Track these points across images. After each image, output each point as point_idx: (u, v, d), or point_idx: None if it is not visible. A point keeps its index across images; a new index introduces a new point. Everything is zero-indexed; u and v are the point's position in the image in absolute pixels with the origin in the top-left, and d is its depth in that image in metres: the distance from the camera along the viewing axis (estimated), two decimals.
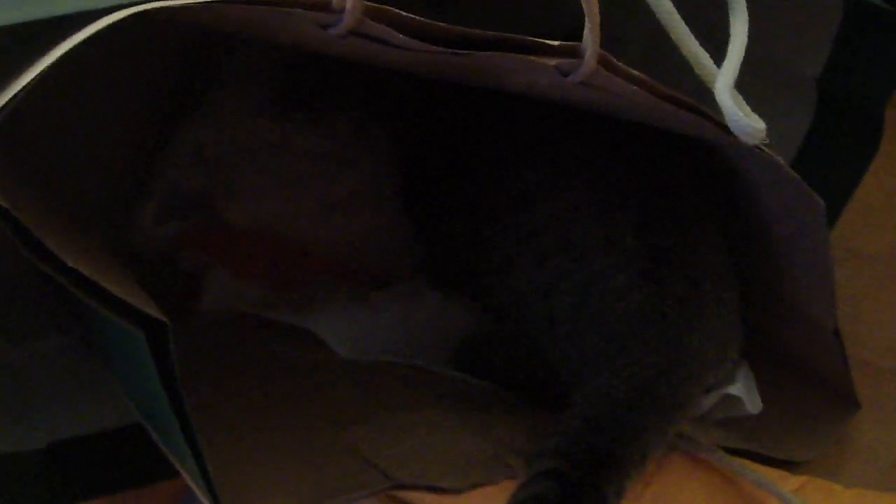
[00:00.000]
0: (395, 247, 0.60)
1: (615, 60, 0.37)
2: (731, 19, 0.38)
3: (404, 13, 0.36)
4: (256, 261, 0.60)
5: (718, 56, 0.39)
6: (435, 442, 0.47)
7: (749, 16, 0.39)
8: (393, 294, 0.57)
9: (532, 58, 0.37)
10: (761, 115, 0.38)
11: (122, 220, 0.58)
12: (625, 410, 0.42)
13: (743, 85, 0.38)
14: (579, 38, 0.37)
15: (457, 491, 0.43)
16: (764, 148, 0.38)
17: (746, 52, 0.38)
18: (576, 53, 0.37)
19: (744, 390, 0.48)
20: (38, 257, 0.36)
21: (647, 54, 0.47)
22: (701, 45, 0.39)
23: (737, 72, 0.37)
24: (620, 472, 0.40)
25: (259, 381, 0.50)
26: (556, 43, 0.37)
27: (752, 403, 0.48)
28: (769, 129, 0.37)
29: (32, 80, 0.33)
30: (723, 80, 0.36)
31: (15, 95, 0.34)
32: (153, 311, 0.34)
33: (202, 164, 0.59)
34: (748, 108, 0.36)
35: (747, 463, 0.47)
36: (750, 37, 0.38)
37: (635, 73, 0.37)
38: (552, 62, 0.37)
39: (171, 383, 0.35)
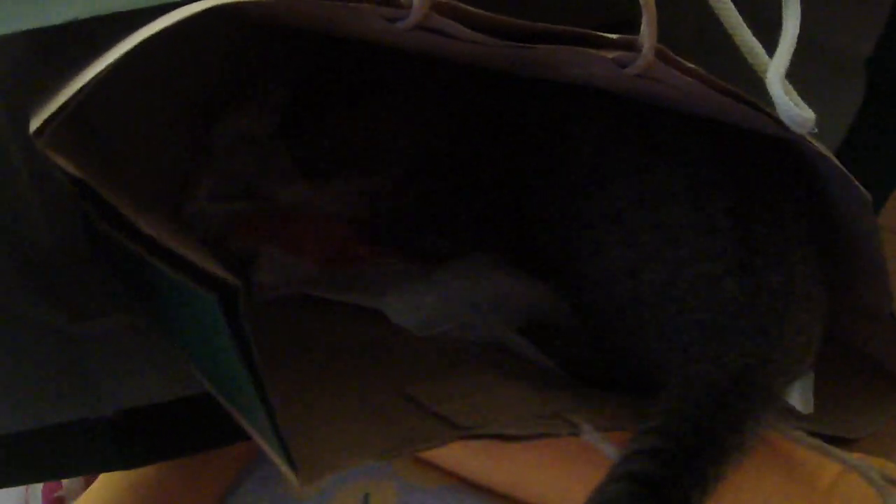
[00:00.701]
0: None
1: (672, 54, 0.38)
2: (784, 8, 0.38)
3: (470, 8, 0.37)
4: (307, 239, 0.61)
5: (764, 39, 0.39)
6: (500, 396, 0.49)
7: None
8: (454, 271, 0.59)
9: (591, 50, 0.38)
10: (809, 97, 0.38)
11: (180, 199, 0.60)
12: (724, 396, 0.43)
13: (791, 66, 0.38)
14: (628, 28, 0.38)
15: (523, 438, 0.45)
16: (811, 139, 0.39)
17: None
18: (633, 47, 0.38)
19: (798, 398, 0.49)
20: (114, 227, 0.39)
21: (698, 39, 0.47)
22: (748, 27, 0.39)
23: (788, 62, 0.37)
24: (721, 455, 0.41)
25: (324, 351, 0.53)
26: (614, 36, 0.38)
27: (806, 406, 0.49)
28: (817, 111, 0.38)
29: (108, 66, 0.35)
30: (774, 70, 0.37)
31: (89, 82, 0.35)
32: (225, 274, 0.36)
33: (252, 150, 0.61)
34: (799, 98, 0.37)
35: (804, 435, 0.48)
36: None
37: (691, 65, 0.38)
38: (611, 55, 0.38)
39: (244, 344, 0.36)
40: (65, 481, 0.61)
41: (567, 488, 0.54)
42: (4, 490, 0.60)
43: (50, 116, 0.36)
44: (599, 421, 0.46)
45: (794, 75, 0.38)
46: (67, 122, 0.36)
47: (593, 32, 0.38)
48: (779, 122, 0.38)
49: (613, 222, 0.49)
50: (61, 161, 0.36)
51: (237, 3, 0.35)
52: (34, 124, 0.36)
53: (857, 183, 0.42)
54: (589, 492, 0.51)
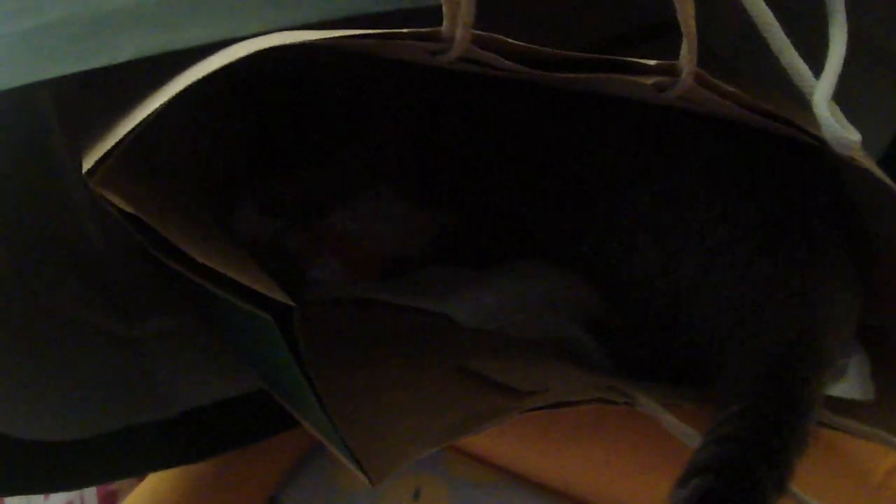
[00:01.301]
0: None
1: (711, 78, 0.38)
2: (831, 29, 0.39)
3: (510, 40, 0.37)
4: (358, 257, 0.63)
5: (804, 49, 0.39)
6: (556, 369, 0.51)
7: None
8: (506, 273, 0.60)
9: (631, 78, 0.38)
10: (855, 105, 0.39)
11: (230, 213, 0.61)
12: (782, 366, 0.44)
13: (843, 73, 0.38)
14: (664, 30, 0.38)
15: (583, 403, 0.47)
16: (858, 158, 0.39)
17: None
18: (673, 72, 0.38)
19: (857, 385, 0.50)
20: (166, 256, 0.40)
21: (739, 46, 0.47)
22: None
23: (835, 84, 0.37)
24: (796, 440, 0.41)
25: (375, 340, 0.55)
26: (653, 63, 0.38)
27: (865, 393, 0.51)
28: (861, 119, 0.38)
29: (160, 107, 0.36)
30: (821, 93, 0.37)
31: (141, 122, 0.36)
32: (280, 296, 0.37)
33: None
34: (845, 120, 0.37)
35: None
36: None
37: (730, 89, 0.39)
38: (650, 81, 0.38)
39: (300, 359, 0.38)
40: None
41: (615, 484, 0.55)
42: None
43: (103, 156, 0.37)
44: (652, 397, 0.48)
45: (847, 79, 0.38)
46: (119, 159, 0.37)
47: (632, 60, 0.39)
48: (820, 140, 0.39)
49: (641, 226, 0.51)
50: (114, 200, 0.38)
51: (284, 45, 0.36)
52: (86, 164, 0.37)
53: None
54: (636, 487, 0.52)
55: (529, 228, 0.59)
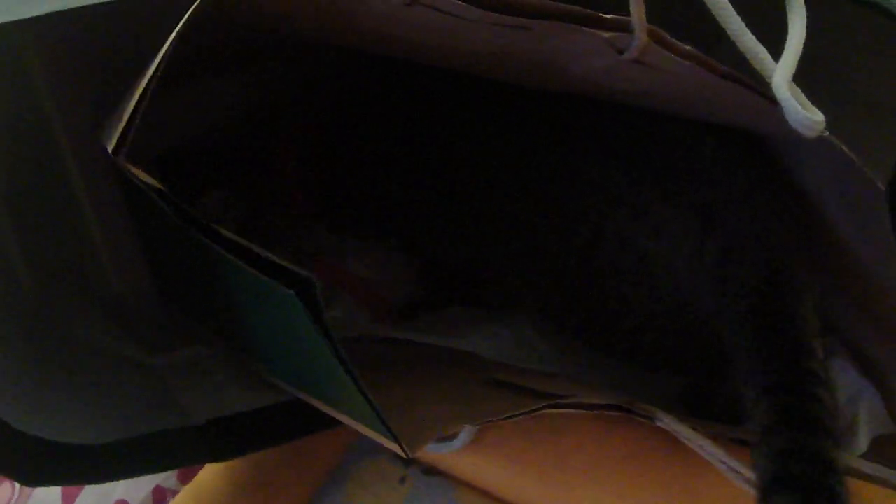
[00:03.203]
0: None
1: (667, 36, 0.39)
2: (788, 11, 0.39)
3: None
4: (375, 300, 0.65)
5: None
6: (578, 380, 0.54)
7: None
8: (530, 317, 0.62)
9: (587, 29, 0.39)
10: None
11: None
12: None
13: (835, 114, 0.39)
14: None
15: (602, 408, 0.49)
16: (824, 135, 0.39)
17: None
18: (628, 27, 0.38)
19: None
20: (196, 230, 0.41)
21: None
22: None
23: (795, 65, 0.37)
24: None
25: (412, 373, 0.56)
26: (608, 16, 0.39)
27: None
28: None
29: (153, 73, 0.38)
30: (780, 74, 0.37)
31: (143, 93, 0.38)
32: (300, 268, 0.38)
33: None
34: (806, 101, 0.37)
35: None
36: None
37: (688, 48, 0.39)
38: (605, 34, 0.39)
39: (326, 331, 0.39)
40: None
41: None
42: None
43: (122, 131, 0.39)
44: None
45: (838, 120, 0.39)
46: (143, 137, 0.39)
47: (587, 11, 0.39)
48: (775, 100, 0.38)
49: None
50: (141, 175, 0.40)
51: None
52: (109, 145, 0.39)
53: (871, 177, 0.41)
54: None
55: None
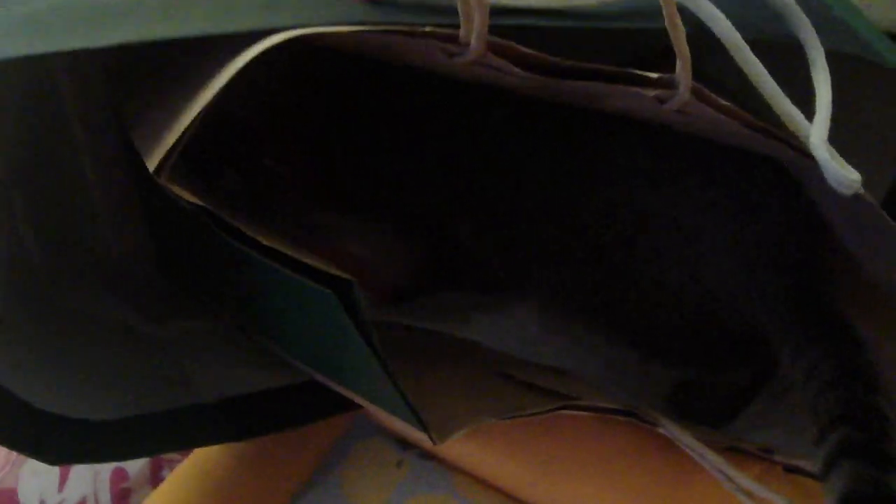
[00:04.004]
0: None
1: (708, 92, 0.41)
2: (814, 77, 0.42)
3: (522, 48, 0.40)
4: (374, 282, 0.66)
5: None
6: (588, 387, 0.56)
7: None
8: (529, 307, 0.64)
9: (634, 89, 0.41)
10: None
11: None
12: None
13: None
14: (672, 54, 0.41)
15: (611, 412, 0.51)
16: (863, 196, 0.41)
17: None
18: (671, 84, 0.41)
19: None
20: (236, 240, 0.44)
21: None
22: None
23: (828, 126, 0.40)
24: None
25: (424, 359, 0.57)
26: (654, 75, 0.41)
27: None
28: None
29: (208, 101, 0.40)
30: (816, 135, 0.39)
31: (193, 120, 0.40)
32: (339, 272, 0.41)
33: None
34: (843, 161, 0.39)
35: None
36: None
37: (726, 103, 0.41)
38: (651, 93, 0.41)
39: (366, 333, 0.42)
40: (131, 473, 0.66)
41: None
42: (74, 478, 0.65)
43: (166, 154, 0.41)
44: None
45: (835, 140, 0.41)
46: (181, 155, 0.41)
47: (635, 72, 0.42)
48: (812, 158, 0.41)
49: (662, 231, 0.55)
50: (182, 193, 0.42)
51: (310, 34, 0.39)
52: (151, 164, 0.41)
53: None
54: None
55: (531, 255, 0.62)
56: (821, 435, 0.44)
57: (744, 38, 0.41)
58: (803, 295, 0.52)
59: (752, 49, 0.41)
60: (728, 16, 0.41)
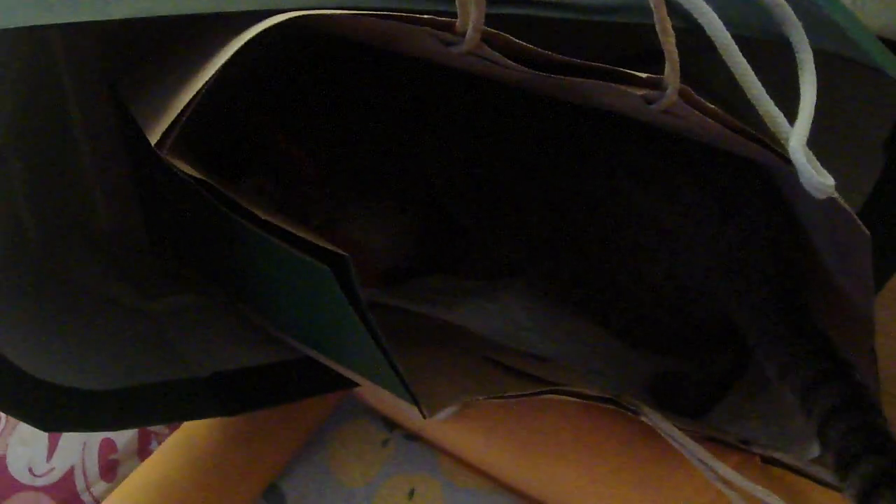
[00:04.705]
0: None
1: (695, 94, 0.42)
2: (801, 78, 0.43)
3: (516, 40, 0.41)
4: (364, 264, 0.67)
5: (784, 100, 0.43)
6: (572, 374, 0.57)
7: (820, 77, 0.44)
8: (517, 292, 0.66)
9: (622, 87, 0.42)
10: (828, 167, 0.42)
11: None
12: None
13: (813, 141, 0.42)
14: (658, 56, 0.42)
15: (594, 399, 0.53)
16: (837, 199, 0.42)
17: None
18: (659, 85, 0.42)
19: None
20: (234, 212, 0.45)
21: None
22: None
23: (808, 130, 0.41)
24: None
25: (410, 339, 0.59)
26: (643, 75, 0.42)
27: None
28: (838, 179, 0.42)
29: (209, 79, 0.40)
30: (796, 139, 0.41)
31: (195, 97, 0.41)
32: (334, 248, 0.42)
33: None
34: (819, 166, 0.41)
35: None
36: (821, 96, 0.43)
37: (712, 106, 0.42)
38: (639, 92, 0.42)
39: (360, 307, 0.43)
40: (119, 445, 0.67)
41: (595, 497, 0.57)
42: (63, 448, 0.67)
43: (167, 129, 0.42)
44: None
45: (815, 146, 0.42)
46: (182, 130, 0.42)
47: (625, 70, 0.43)
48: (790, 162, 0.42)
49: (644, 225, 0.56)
50: (183, 167, 0.43)
51: (310, 15, 0.40)
52: (153, 138, 0.42)
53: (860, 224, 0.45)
54: None
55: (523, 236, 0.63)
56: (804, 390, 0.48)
57: (733, 35, 0.42)
58: (777, 298, 0.53)
59: (741, 45, 0.43)
60: (718, 13, 0.42)
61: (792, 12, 0.44)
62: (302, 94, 0.65)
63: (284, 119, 0.64)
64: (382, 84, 0.64)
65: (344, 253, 0.42)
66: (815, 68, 0.44)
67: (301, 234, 0.43)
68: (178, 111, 0.41)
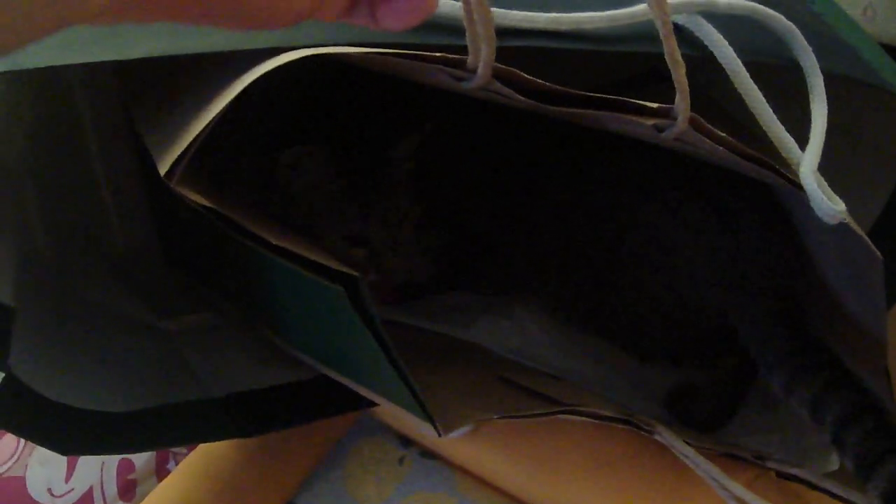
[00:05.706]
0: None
1: (706, 123, 0.43)
2: (812, 104, 0.44)
3: (527, 76, 0.42)
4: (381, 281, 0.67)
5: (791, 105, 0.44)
6: (587, 394, 0.59)
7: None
8: (530, 308, 0.67)
9: (633, 118, 0.43)
10: (842, 181, 0.43)
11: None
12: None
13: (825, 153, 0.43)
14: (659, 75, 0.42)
15: (614, 421, 0.53)
16: (848, 222, 0.43)
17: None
18: (670, 114, 0.43)
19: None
20: (247, 239, 0.46)
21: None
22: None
23: (819, 156, 0.42)
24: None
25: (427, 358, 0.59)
26: (654, 105, 0.43)
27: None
28: (849, 197, 0.42)
29: (221, 110, 0.42)
30: (807, 165, 0.42)
31: (206, 127, 0.42)
32: (345, 268, 0.43)
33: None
34: (831, 191, 0.41)
35: None
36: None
37: (722, 135, 0.43)
38: (650, 122, 0.43)
39: (374, 326, 0.44)
40: (137, 465, 0.68)
41: None
42: (82, 469, 0.68)
43: (177, 159, 0.43)
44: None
45: (828, 159, 0.43)
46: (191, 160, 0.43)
47: (636, 101, 0.43)
48: (800, 187, 0.43)
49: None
50: (193, 196, 0.44)
51: (320, 54, 0.41)
52: (162, 168, 0.43)
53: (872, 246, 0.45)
54: None
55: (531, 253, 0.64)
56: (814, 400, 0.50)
57: (743, 61, 0.43)
58: (778, 313, 0.55)
59: (752, 71, 0.43)
60: (729, 39, 0.43)
61: (803, 38, 0.45)
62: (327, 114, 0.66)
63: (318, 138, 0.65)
64: (405, 105, 0.65)
65: (355, 273, 0.43)
66: (827, 87, 0.45)
67: (313, 257, 0.44)
68: (187, 143, 0.42)
